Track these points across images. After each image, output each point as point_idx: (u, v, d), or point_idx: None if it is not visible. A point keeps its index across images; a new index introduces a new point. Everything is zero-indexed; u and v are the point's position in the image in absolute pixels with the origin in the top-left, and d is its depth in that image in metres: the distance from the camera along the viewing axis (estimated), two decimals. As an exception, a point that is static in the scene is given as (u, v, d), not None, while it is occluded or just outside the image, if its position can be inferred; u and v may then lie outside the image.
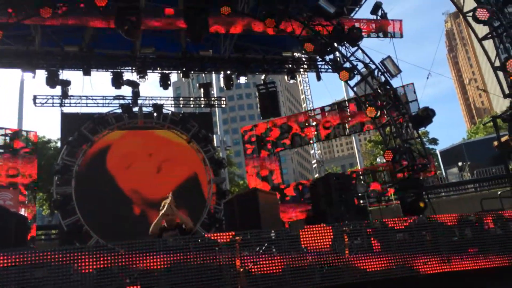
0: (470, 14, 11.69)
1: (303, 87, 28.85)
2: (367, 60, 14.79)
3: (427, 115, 13.64)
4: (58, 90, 17.44)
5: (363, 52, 14.71)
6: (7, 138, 18.32)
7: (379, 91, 14.56)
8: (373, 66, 14.69)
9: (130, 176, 18.24)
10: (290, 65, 19.73)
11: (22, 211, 16.77)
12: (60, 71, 17.02)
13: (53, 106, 18.75)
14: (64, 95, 17.88)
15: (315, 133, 21.43)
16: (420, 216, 8.47)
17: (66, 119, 18.71)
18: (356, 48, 14.57)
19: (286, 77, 19.83)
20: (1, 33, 11.94)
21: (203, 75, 24.32)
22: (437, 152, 36.98)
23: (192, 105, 23.87)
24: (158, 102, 19.79)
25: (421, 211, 12.71)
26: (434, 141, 44.96)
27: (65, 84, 17.50)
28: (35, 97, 18.69)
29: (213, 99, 22.29)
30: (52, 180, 19.27)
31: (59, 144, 26.60)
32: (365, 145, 58.04)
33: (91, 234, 16.42)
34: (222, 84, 19.79)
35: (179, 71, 19.06)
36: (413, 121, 14.26)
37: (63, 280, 4.82)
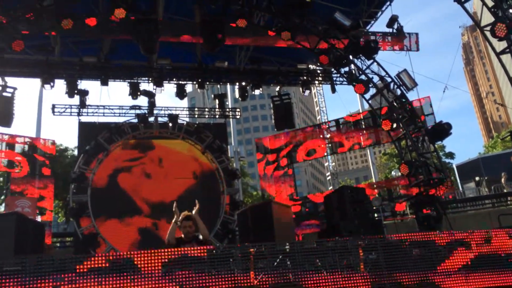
0: (488, 28, 11.60)
1: (317, 99, 28.85)
2: (383, 73, 14.76)
3: (443, 129, 13.51)
4: (76, 99, 17.77)
5: (379, 65, 14.70)
6: (26, 146, 18.70)
7: (395, 104, 14.48)
8: (388, 79, 14.65)
9: (143, 185, 18.34)
10: (305, 77, 19.75)
11: (38, 218, 17.01)
12: (79, 81, 17.30)
13: (71, 115, 19.08)
14: (82, 104, 18.16)
15: (330, 145, 21.37)
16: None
17: (84, 128, 18.97)
18: (371, 61, 14.56)
19: (300, 89, 19.85)
20: (22, 43, 12.24)
21: (218, 86, 24.53)
22: (454, 166, 36.47)
23: (207, 116, 24.05)
24: (174, 112, 19.99)
25: (436, 227, 12.53)
26: (451, 155, 44.41)
27: (83, 93, 17.78)
28: (53, 106, 19.06)
29: (227, 110, 22.42)
30: (68, 188, 19.52)
31: (76, 152, 27.01)
32: (380, 158, 57.54)
33: (105, 242, 16.55)
34: (237, 95, 19.89)
35: (195, 82, 19.25)
36: (430, 135, 14.14)
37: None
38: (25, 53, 15.43)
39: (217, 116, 22.39)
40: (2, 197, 29.41)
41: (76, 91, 17.16)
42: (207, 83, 19.69)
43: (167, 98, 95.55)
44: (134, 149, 18.83)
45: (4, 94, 14.95)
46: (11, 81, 15.51)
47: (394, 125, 14.21)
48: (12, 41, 11.91)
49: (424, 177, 13.68)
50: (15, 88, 15.17)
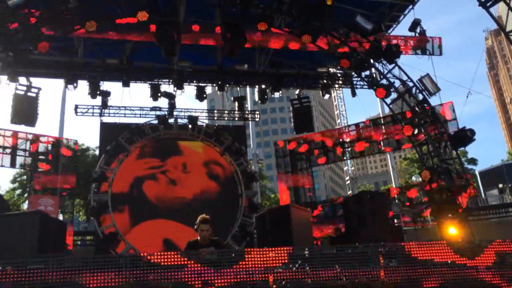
0: (514, 32, 11.37)
1: (337, 102, 28.67)
2: (405, 78, 14.60)
3: (466, 135, 13.26)
4: (98, 100, 18.03)
5: (401, 69, 14.54)
6: (49, 145, 19.11)
7: (417, 109, 14.28)
8: (410, 84, 14.46)
9: (160, 186, 18.49)
10: (325, 81, 19.65)
11: (60, 217, 17.31)
12: (101, 82, 17.59)
13: (93, 115, 19.39)
14: (104, 105, 18.45)
15: (349, 149, 21.22)
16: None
17: (105, 128, 19.23)
18: (393, 65, 14.40)
19: (320, 92, 19.75)
20: (48, 44, 12.51)
21: (238, 88, 24.62)
22: (476, 172, 35.72)
23: (226, 118, 24.13)
24: (193, 114, 20.12)
25: (457, 234, 12.30)
26: (473, 161, 43.48)
27: (105, 94, 18.06)
28: (76, 107, 19.41)
29: (247, 112, 22.46)
30: (89, 187, 19.82)
31: (97, 152, 27.42)
32: (400, 162, 56.76)
33: (125, 242, 16.73)
34: (256, 98, 19.91)
35: (215, 84, 19.34)
36: (452, 141, 13.90)
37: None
38: (49, 55, 15.76)
39: (236, 119, 22.45)
40: (26, 195, 30.09)
41: (98, 92, 17.45)
42: (227, 85, 19.76)
43: (187, 100, 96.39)
44: (153, 157, 18.92)
45: (29, 94, 15.28)
46: (35, 81, 15.85)
47: (416, 131, 14.01)
48: (37, 43, 12.19)
49: (446, 183, 13.44)
50: (39, 89, 15.51)
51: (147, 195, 18.07)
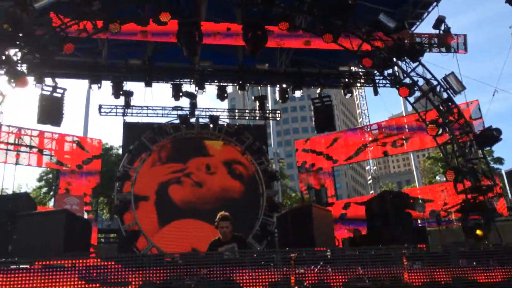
0: (543, 28, 11.03)
1: (359, 101, 28.36)
2: (429, 76, 14.31)
3: (492, 134, 12.94)
4: (121, 100, 18.34)
5: (424, 67, 14.25)
6: (74, 145, 19.52)
7: (441, 108, 14.01)
8: (434, 82, 14.18)
9: (182, 186, 18.66)
10: (346, 80, 19.46)
11: (85, 215, 17.67)
12: (124, 82, 17.86)
13: (116, 115, 19.72)
14: (127, 105, 18.73)
15: (371, 148, 20.99)
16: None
17: (128, 128, 19.54)
18: (417, 63, 14.15)
19: (342, 91, 19.57)
20: (73, 46, 12.76)
21: (258, 87, 24.62)
22: (503, 172, 34.80)
23: (247, 117, 24.18)
24: (214, 113, 20.23)
25: (481, 238, 12.01)
26: (500, 160, 42.35)
27: (128, 94, 18.33)
28: (100, 107, 19.76)
29: (268, 111, 22.45)
30: (112, 185, 20.17)
31: (120, 151, 27.86)
32: (424, 161, 55.79)
33: (147, 240, 16.97)
34: (277, 98, 19.88)
35: (236, 84, 19.40)
36: (478, 140, 13.57)
37: None
38: (74, 56, 16.07)
39: (257, 118, 22.46)
40: (51, 193, 30.80)
41: (121, 92, 17.72)
42: (248, 84, 19.79)
43: (208, 100, 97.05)
44: (176, 160, 19.05)
45: (55, 94, 15.59)
46: (61, 82, 16.18)
47: (440, 131, 13.73)
48: (63, 45, 12.44)
49: (472, 183, 13.15)
50: (64, 89, 15.79)
51: (172, 198, 18.28)
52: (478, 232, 12.11)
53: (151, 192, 18.15)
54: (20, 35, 11.77)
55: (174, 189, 18.48)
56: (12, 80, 11.96)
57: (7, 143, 18.29)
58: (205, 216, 17.13)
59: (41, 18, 11.80)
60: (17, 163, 18.57)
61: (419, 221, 17.35)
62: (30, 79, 15.73)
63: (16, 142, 18.52)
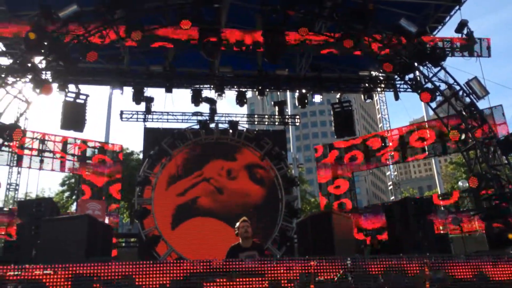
0: None
1: (379, 106, 28.08)
2: (451, 81, 14.08)
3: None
4: (142, 106, 18.56)
5: (447, 72, 14.02)
6: (96, 150, 19.87)
7: (464, 113, 13.76)
8: (457, 87, 13.95)
9: (202, 191, 18.76)
10: (366, 84, 19.30)
11: (106, 219, 17.91)
12: (145, 88, 18.10)
13: (137, 121, 19.99)
14: (148, 111, 18.97)
15: (392, 154, 20.74)
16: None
17: (149, 133, 19.77)
18: (438, 68, 13.94)
19: (362, 96, 19.41)
20: (96, 54, 13.01)
21: (278, 93, 24.62)
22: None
23: (266, 123, 24.19)
24: (234, 119, 20.30)
25: (509, 244, 11.72)
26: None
27: (149, 100, 18.56)
28: (121, 112, 20.06)
29: (287, 117, 22.42)
30: (133, 190, 20.40)
31: (141, 156, 28.19)
32: (446, 167, 54.82)
33: (167, 245, 17.09)
34: (297, 103, 19.82)
35: (255, 89, 19.45)
36: (502, 146, 13.27)
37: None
38: (97, 63, 16.37)
39: (276, 123, 22.45)
40: (74, 197, 31.34)
41: (142, 98, 17.95)
42: (267, 90, 19.80)
43: (228, 105, 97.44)
44: (197, 167, 19.14)
45: (78, 101, 15.91)
46: (83, 88, 16.50)
47: (463, 136, 13.48)
48: (86, 52, 12.69)
49: (496, 190, 12.87)
50: (87, 95, 16.10)
51: (193, 202, 18.42)
52: (510, 236, 11.81)
53: (171, 200, 18.34)
54: (45, 43, 12.07)
55: (194, 193, 18.62)
56: (37, 88, 12.25)
57: (32, 149, 18.74)
58: (225, 218, 17.23)
59: (65, 27, 12.09)
60: (40, 168, 19.00)
61: (441, 228, 17.04)
62: (54, 86, 16.12)
63: (40, 147, 18.96)
